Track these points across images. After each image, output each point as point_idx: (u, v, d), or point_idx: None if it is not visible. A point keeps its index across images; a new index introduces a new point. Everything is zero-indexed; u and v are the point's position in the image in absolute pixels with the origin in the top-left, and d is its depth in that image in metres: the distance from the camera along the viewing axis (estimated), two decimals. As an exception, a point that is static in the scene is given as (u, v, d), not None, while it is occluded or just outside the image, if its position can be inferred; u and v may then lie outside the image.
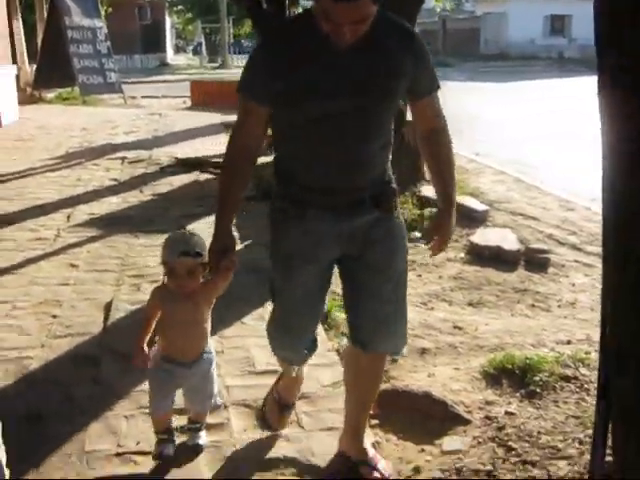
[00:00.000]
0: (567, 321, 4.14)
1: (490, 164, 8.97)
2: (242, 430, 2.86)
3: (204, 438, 2.76)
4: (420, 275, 4.89)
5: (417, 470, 2.65)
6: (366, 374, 2.61)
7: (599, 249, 2.55)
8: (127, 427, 2.86)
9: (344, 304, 2.61)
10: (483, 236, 5.58)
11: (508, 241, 5.40)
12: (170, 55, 43.19)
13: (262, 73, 2.27)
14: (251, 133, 2.36)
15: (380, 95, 2.29)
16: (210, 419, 2.83)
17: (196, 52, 49.40)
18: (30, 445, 2.66)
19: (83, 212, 6.33)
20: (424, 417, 2.99)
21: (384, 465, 2.63)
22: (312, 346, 2.67)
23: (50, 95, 17.84)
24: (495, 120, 13.37)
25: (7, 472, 2.13)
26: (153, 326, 2.61)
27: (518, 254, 5.20)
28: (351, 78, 2.21)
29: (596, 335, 2.19)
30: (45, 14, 18.47)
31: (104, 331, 3.79)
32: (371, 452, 2.66)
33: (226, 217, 2.41)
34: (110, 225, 5.90)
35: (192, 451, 2.69)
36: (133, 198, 6.95)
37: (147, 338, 2.61)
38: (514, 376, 3.29)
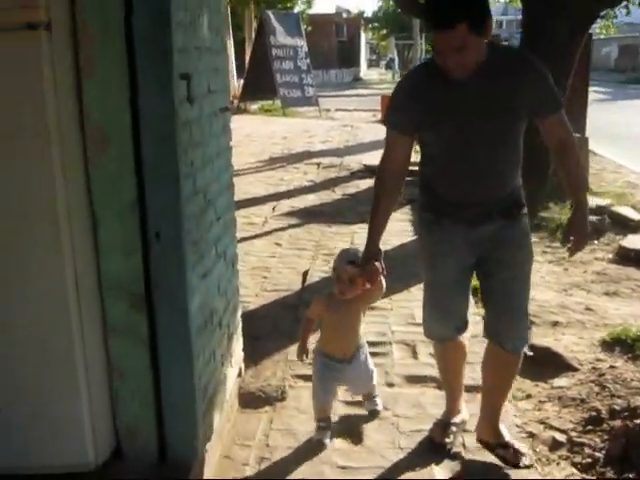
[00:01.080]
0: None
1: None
2: (400, 358, 3.85)
3: (380, 404, 3.27)
4: (567, 269, 5.62)
5: (529, 396, 3.51)
6: (500, 368, 2.91)
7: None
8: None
9: (481, 301, 2.99)
10: (633, 240, 6.17)
11: (654, 245, 5.98)
12: (364, 70, 44.97)
13: (398, 109, 2.66)
14: (397, 159, 2.71)
15: (501, 117, 2.53)
16: (377, 349, 3.84)
17: (388, 67, 50.86)
18: (253, 354, 3.80)
19: (285, 205, 7.63)
20: (543, 364, 3.81)
21: (519, 446, 2.95)
22: (462, 326, 2.92)
23: (254, 107, 19.78)
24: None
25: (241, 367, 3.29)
26: (313, 328, 3.12)
27: (661, 257, 5.77)
28: (473, 102, 2.49)
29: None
30: (253, 33, 20.55)
31: (302, 289, 4.94)
32: (507, 436, 2.97)
33: (376, 231, 2.76)
34: (307, 216, 7.13)
35: (370, 415, 3.22)
36: (326, 196, 8.18)
37: (309, 337, 3.12)
38: (626, 345, 4.00)
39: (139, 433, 2.51)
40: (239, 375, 3.38)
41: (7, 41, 2.07)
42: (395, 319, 4.34)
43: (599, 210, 6.79)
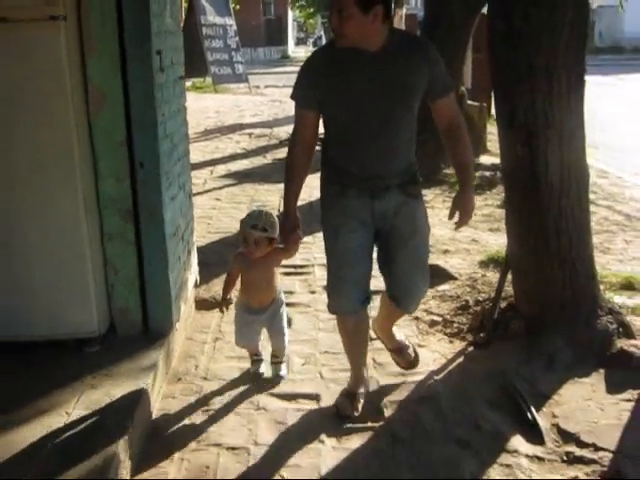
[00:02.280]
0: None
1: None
2: (320, 275, 4.88)
3: (284, 370, 3.46)
4: (461, 213, 6.76)
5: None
6: (396, 315, 3.35)
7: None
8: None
9: (379, 268, 3.10)
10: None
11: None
12: (291, 48, 45.67)
13: (305, 85, 2.81)
14: (306, 133, 2.87)
15: (399, 97, 2.72)
16: (303, 270, 4.85)
17: (316, 45, 51.69)
18: (204, 275, 4.75)
19: (222, 169, 8.58)
20: (431, 276, 4.88)
21: (409, 351, 3.48)
22: (365, 300, 3.05)
23: (187, 84, 20.42)
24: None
25: (197, 278, 4.26)
26: (235, 282, 3.39)
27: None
28: (373, 82, 2.68)
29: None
30: (183, 14, 21.12)
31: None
32: (399, 341, 3.47)
33: (292, 202, 2.93)
34: (241, 177, 8.11)
35: (275, 381, 3.39)
36: (258, 161, 9.15)
37: (231, 291, 3.39)
38: (498, 263, 5.14)
39: (129, 312, 3.48)
40: (195, 285, 4.34)
41: (35, 29, 2.98)
42: (317, 249, 5.35)
43: (493, 167, 7.96)
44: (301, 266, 4.96)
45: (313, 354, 3.73)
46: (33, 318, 3.31)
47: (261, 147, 10.17)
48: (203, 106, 15.28)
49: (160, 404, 3.21)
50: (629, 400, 3.24)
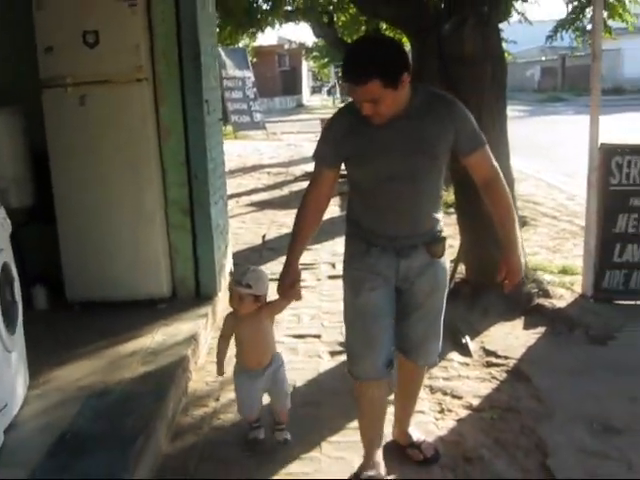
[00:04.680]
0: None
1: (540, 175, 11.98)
2: (325, 269, 6.32)
3: (289, 435, 3.34)
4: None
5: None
6: (410, 379, 3.13)
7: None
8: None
9: (395, 322, 2.93)
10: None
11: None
12: (306, 97, 47.70)
13: (328, 145, 2.74)
14: (320, 189, 2.81)
15: (425, 157, 2.64)
16: (312, 267, 6.29)
17: (329, 93, 53.68)
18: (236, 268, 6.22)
19: (245, 199, 10.13)
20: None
21: (427, 445, 3.21)
22: (390, 364, 2.88)
23: (209, 132, 22.16)
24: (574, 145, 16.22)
25: (231, 268, 5.73)
26: (229, 345, 3.29)
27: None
28: (395, 145, 2.61)
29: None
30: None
31: (263, 242, 7.41)
32: (415, 436, 3.22)
33: (295, 255, 2.87)
34: (262, 205, 9.66)
35: (283, 444, 3.32)
36: (276, 193, 10.70)
37: (225, 353, 3.30)
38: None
39: (186, 282, 4.95)
40: (230, 273, 5.81)
41: (128, 88, 4.53)
42: (323, 253, 6.83)
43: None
44: (310, 263, 6.39)
45: (317, 314, 5.16)
46: (121, 285, 4.78)
47: (279, 182, 11.73)
48: (226, 150, 16.86)
49: (211, 341, 4.65)
50: (537, 333, 4.65)
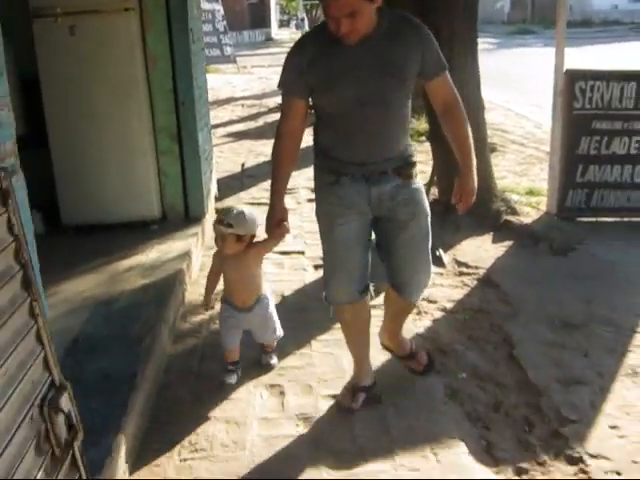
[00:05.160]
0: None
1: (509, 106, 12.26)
2: (312, 242, 6.62)
3: (275, 359, 3.45)
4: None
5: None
6: (401, 312, 3.19)
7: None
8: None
9: (379, 256, 2.98)
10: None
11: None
12: (275, 30, 46.98)
13: (293, 73, 2.66)
14: (294, 121, 2.74)
15: (393, 80, 2.61)
16: (297, 240, 6.58)
17: (298, 27, 52.94)
18: (218, 195, 6.49)
19: (222, 131, 10.28)
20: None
21: (421, 355, 3.35)
22: (364, 289, 2.95)
23: (179, 66, 22.01)
24: (543, 77, 16.48)
25: (216, 193, 5.99)
26: (218, 281, 3.34)
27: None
28: (364, 67, 2.56)
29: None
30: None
31: (242, 170, 7.65)
32: (408, 345, 3.32)
33: (279, 194, 2.82)
34: (239, 136, 9.85)
35: (266, 368, 3.41)
36: (252, 125, 10.87)
37: (212, 291, 3.37)
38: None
39: (175, 204, 5.22)
40: (215, 198, 6.10)
41: (115, 17, 4.69)
42: (300, 179, 7.05)
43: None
44: (290, 188, 6.65)
45: (300, 233, 5.46)
46: (114, 208, 5.04)
47: (253, 114, 11.89)
48: (197, 84, 16.91)
49: (202, 259, 4.95)
50: (505, 247, 5.03)
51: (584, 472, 2.69)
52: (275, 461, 2.73)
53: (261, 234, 3.12)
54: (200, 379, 3.38)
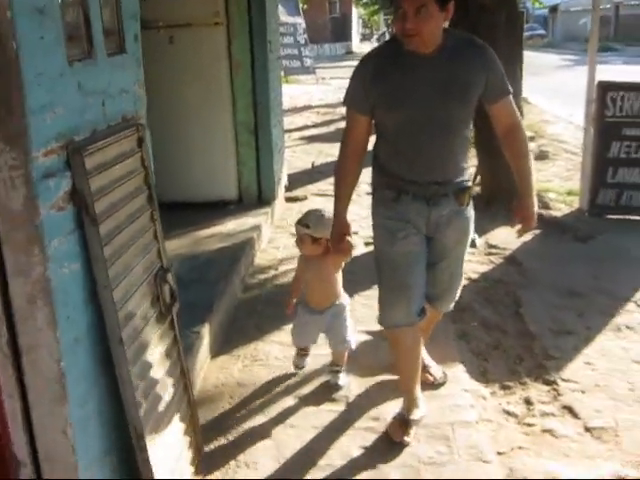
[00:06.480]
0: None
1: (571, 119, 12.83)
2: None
3: (343, 379, 3.39)
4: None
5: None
6: (429, 320, 3.18)
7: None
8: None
9: None
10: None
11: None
12: (356, 43, 48.07)
13: (358, 89, 2.69)
14: (358, 137, 2.75)
15: (457, 101, 2.62)
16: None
17: (379, 41, 53.87)
18: (290, 186, 7.40)
19: (296, 135, 11.25)
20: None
21: (435, 369, 3.40)
22: (421, 312, 2.90)
23: (262, 76, 23.22)
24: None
25: (286, 183, 6.92)
26: (300, 287, 3.42)
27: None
28: (428, 87, 2.57)
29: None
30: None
31: (312, 167, 8.55)
32: (425, 359, 3.33)
33: (341, 208, 2.86)
34: (311, 139, 10.80)
35: (333, 389, 3.38)
36: (324, 130, 11.80)
37: (297, 293, 3.45)
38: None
39: (250, 189, 6.15)
40: (285, 187, 7.03)
41: (207, 30, 5.67)
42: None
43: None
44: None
45: (357, 219, 6.29)
46: (199, 189, 6.01)
47: (326, 120, 12.83)
48: (277, 93, 18.01)
49: (270, 234, 5.84)
50: (533, 234, 5.74)
51: (555, 390, 3.43)
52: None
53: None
54: (262, 316, 4.26)
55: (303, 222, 3.18)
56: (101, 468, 2.13)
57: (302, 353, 3.53)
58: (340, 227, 2.89)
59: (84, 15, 2.12)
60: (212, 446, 2.98)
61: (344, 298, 3.39)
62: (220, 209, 5.94)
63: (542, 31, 51.32)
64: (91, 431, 2.08)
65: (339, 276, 3.34)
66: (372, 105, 2.68)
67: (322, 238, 3.15)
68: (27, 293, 1.81)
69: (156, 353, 2.40)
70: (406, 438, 2.93)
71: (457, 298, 3.17)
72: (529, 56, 26.08)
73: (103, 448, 2.15)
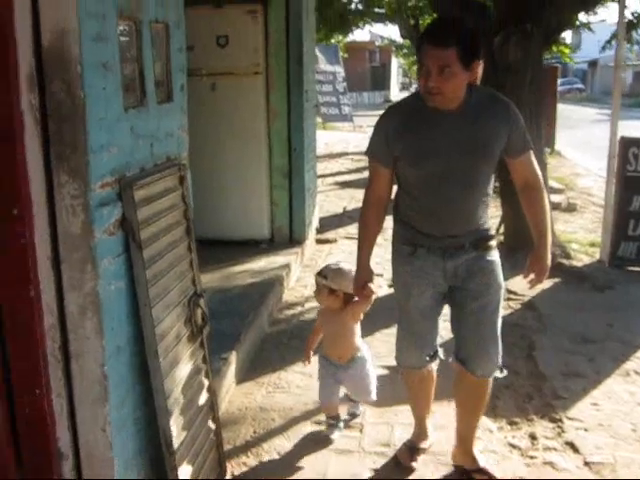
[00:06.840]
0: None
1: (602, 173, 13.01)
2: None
3: (359, 408, 3.63)
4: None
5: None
6: (470, 394, 3.05)
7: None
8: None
9: (451, 327, 3.00)
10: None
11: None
12: (394, 92, 48.70)
13: (380, 142, 2.73)
14: (380, 188, 2.82)
15: (479, 157, 2.66)
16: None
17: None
18: (321, 229, 7.70)
19: (330, 180, 11.62)
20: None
21: (492, 471, 3.10)
22: (434, 355, 3.06)
23: (300, 122, 23.79)
24: None
25: (317, 226, 7.22)
26: (318, 339, 3.52)
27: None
28: (451, 143, 2.62)
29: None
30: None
31: (343, 212, 8.85)
32: (482, 461, 3.12)
33: (365, 256, 2.92)
34: (344, 185, 11.15)
35: (352, 415, 3.62)
36: (357, 176, 12.13)
37: (313, 345, 3.54)
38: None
39: (282, 229, 6.46)
40: (316, 230, 7.32)
41: (247, 78, 6.06)
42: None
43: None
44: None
45: (381, 261, 6.56)
46: (233, 228, 6.33)
47: (360, 167, 13.15)
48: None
49: (299, 273, 6.12)
50: (552, 282, 5.93)
51: (560, 427, 3.61)
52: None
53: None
54: (287, 348, 4.53)
55: (322, 273, 3.28)
56: (134, 466, 2.39)
57: (331, 422, 3.46)
58: (363, 273, 2.94)
59: (139, 69, 2.45)
60: (233, 462, 3.23)
61: (364, 350, 3.45)
62: (252, 247, 6.25)
63: (580, 85, 51.72)
64: (126, 432, 2.35)
65: (357, 327, 3.40)
66: (395, 158, 2.72)
67: (339, 290, 3.24)
68: (79, 305, 2.11)
69: (187, 368, 2.68)
70: (413, 464, 3.14)
71: (499, 363, 2.99)
72: (567, 109, 26.40)
73: (136, 448, 2.42)
